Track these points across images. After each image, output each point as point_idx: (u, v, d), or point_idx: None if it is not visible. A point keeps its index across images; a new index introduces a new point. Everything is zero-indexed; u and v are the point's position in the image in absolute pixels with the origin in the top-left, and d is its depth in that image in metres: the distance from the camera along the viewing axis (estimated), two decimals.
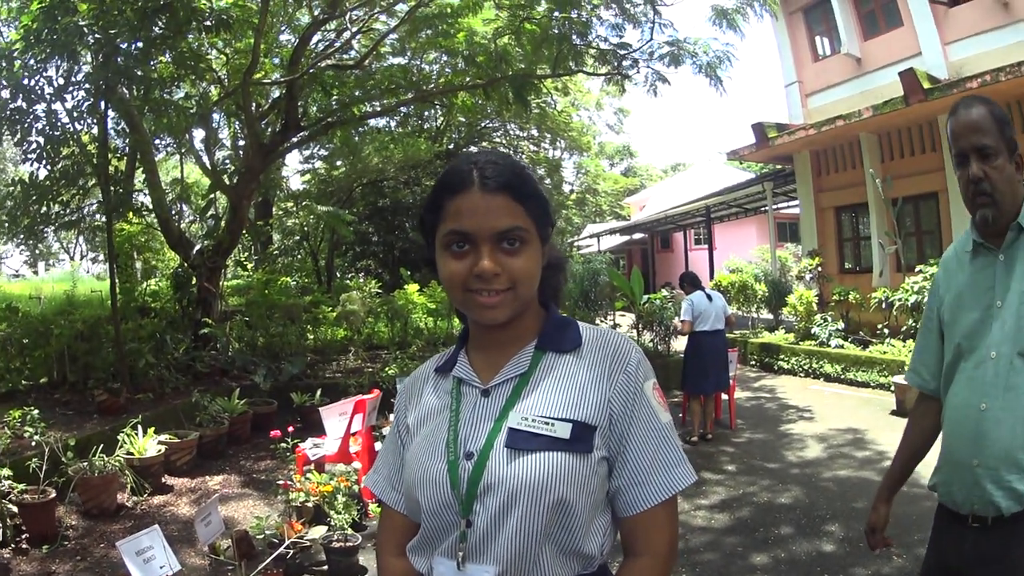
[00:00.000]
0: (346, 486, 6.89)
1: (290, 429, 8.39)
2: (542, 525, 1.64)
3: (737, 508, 7.63)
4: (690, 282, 10.92)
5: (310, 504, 6.85)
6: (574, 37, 13.75)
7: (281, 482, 7.27)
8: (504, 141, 33.21)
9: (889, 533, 3.05)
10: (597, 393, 1.74)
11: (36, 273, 46.92)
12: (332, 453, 7.85)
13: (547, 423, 1.69)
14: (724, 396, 11.45)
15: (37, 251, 44.01)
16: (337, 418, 8.04)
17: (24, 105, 10.52)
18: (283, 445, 8.22)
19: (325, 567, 6.22)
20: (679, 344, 11.98)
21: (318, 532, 6.21)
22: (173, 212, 15.93)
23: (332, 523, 6.46)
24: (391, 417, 7.63)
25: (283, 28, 17.66)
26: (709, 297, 10.68)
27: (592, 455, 1.69)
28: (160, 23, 10.47)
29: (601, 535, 1.76)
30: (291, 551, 5.95)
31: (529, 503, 1.63)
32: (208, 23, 10.77)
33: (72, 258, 50.05)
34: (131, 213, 13.65)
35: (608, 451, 1.74)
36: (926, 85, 14.31)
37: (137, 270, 17.37)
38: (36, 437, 7.70)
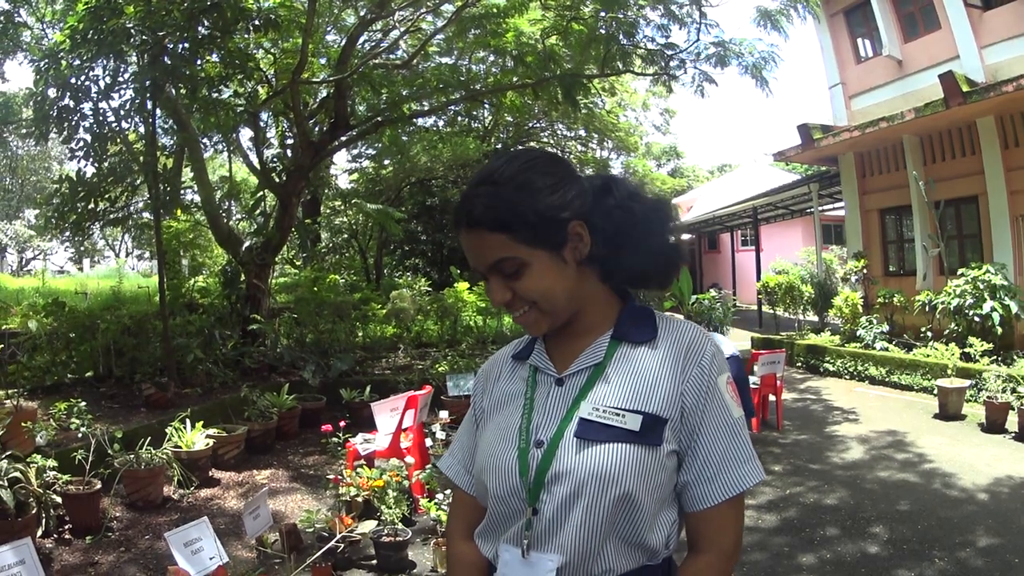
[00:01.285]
0: (397, 481, 6.93)
1: (341, 424, 8.47)
2: (607, 516, 1.66)
3: (784, 508, 7.61)
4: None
5: (360, 499, 6.90)
6: (621, 37, 13.72)
7: (331, 476, 7.31)
8: (552, 141, 33.01)
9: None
10: (670, 386, 1.74)
11: (81, 269, 47.62)
12: (383, 448, 7.93)
13: (618, 414, 1.70)
14: (772, 397, 11.42)
15: (82, 248, 44.42)
16: (388, 414, 8.10)
17: (71, 103, 10.69)
18: (334, 440, 8.31)
19: (374, 561, 6.27)
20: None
21: (368, 526, 6.24)
22: (222, 210, 16.06)
23: (382, 518, 6.49)
24: (440, 414, 7.68)
25: (329, 28, 17.79)
26: None
27: (661, 448, 1.70)
28: (207, 23, 10.57)
29: (667, 529, 1.76)
30: (341, 545, 6.00)
31: (595, 494, 1.65)
32: (256, 23, 10.87)
33: (117, 255, 50.61)
34: (179, 210, 13.80)
35: (678, 445, 1.74)
36: (965, 88, 14.12)
37: (184, 267, 17.52)
38: (83, 429, 7.79)
